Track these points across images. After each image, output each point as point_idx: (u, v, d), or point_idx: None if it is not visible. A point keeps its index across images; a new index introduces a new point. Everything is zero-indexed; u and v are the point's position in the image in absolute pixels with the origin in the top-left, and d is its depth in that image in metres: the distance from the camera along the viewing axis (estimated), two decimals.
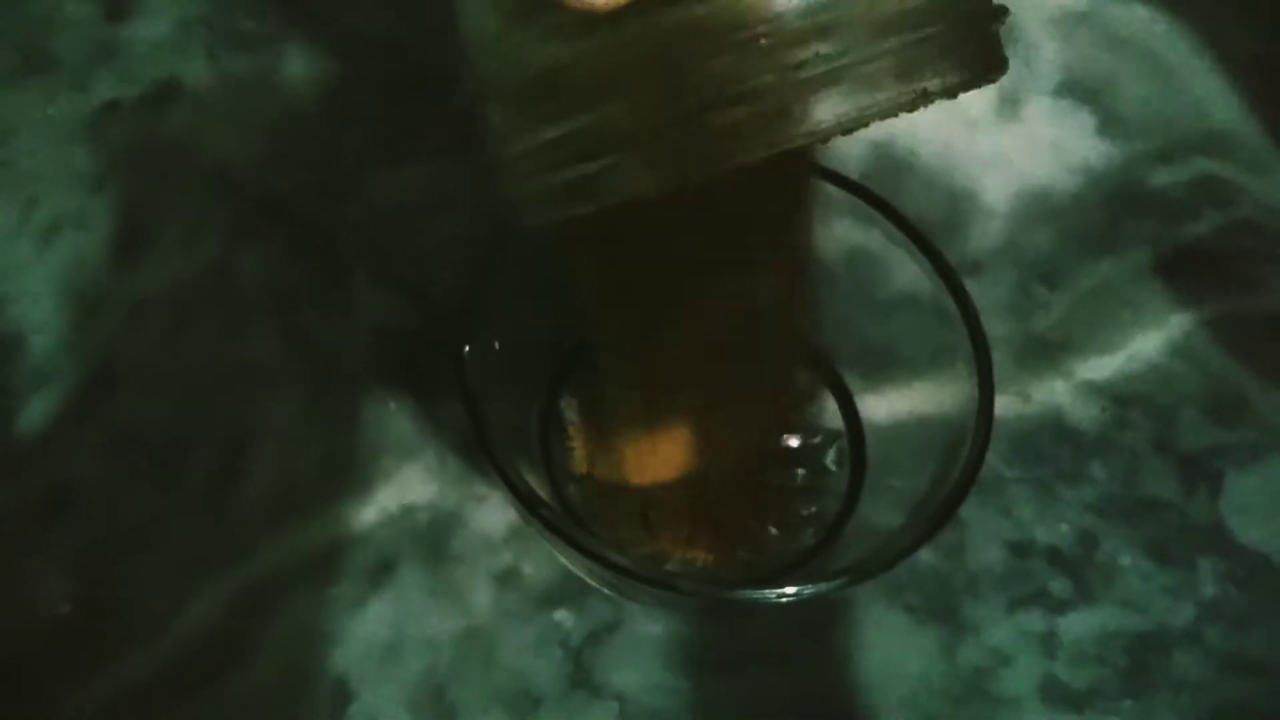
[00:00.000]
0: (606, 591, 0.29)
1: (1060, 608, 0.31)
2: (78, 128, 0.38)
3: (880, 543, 0.27)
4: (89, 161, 0.38)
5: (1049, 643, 0.31)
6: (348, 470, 0.32)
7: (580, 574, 0.29)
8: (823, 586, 0.25)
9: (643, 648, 0.30)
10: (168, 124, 0.39)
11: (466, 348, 0.27)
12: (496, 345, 0.28)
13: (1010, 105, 0.41)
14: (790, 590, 0.25)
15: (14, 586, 0.30)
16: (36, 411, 0.33)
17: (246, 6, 0.42)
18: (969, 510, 0.33)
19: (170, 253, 0.36)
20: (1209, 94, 0.41)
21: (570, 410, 0.32)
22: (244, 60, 0.40)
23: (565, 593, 0.31)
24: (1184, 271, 0.37)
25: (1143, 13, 0.43)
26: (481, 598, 0.31)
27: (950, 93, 0.20)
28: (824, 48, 0.19)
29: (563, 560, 0.29)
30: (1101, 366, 0.35)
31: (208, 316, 0.35)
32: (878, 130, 0.38)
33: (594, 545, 0.25)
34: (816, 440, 0.32)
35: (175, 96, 0.39)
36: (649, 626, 0.30)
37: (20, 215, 0.36)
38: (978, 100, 0.41)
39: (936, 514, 0.26)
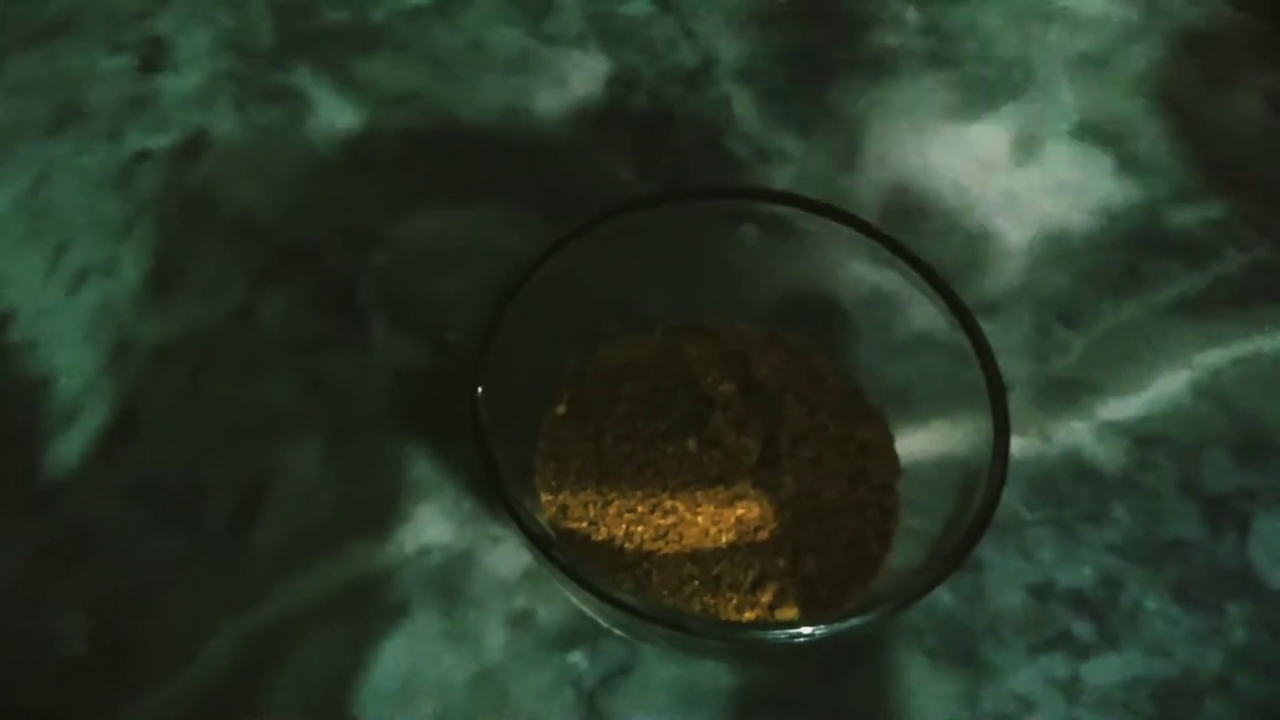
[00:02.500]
0: (620, 633, 0.29)
1: (1084, 652, 0.31)
2: (109, 177, 0.39)
3: (896, 584, 0.27)
4: (119, 209, 0.39)
5: (1072, 688, 0.30)
6: (364, 512, 0.32)
7: (594, 616, 0.28)
8: (835, 626, 0.24)
9: (657, 690, 0.30)
10: (195, 173, 0.40)
11: (480, 389, 0.27)
12: (508, 388, 0.28)
13: (1028, 147, 0.41)
14: (805, 630, 0.24)
15: (32, 627, 0.31)
16: (60, 453, 0.33)
17: (273, 61, 0.43)
18: (989, 553, 0.32)
19: (194, 299, 0.36)
20: (1227, 133, 0.41)
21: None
22: (270, 112, 0.41)
23: (579, 635, 0.30)
24: (1206, 311, 0.37)
25: (1159, 53, 0.43)
26: (495, 639, 0.30)
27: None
28: None
29: (576, 602, 0.28)
30: (1123, 407, 0.35)
31: (230, 361, 0.35)
32: (895, 173, 0.39)
33: (607, 587, 0.25)
34: None
35: (204, 147, 0.40)
36: (663, 669, 0.30)
37: (51, 261, 0.37)
38: (995, 142, 0.41)
39: (951, 555, 0.25)
